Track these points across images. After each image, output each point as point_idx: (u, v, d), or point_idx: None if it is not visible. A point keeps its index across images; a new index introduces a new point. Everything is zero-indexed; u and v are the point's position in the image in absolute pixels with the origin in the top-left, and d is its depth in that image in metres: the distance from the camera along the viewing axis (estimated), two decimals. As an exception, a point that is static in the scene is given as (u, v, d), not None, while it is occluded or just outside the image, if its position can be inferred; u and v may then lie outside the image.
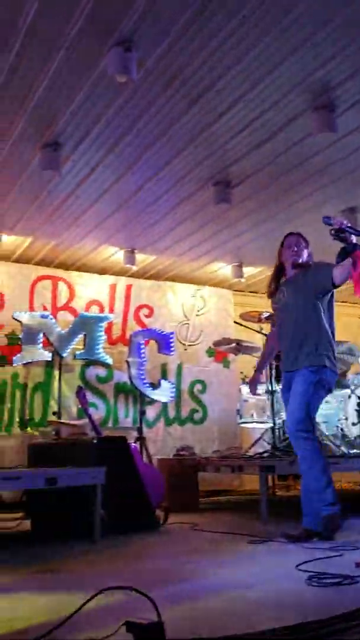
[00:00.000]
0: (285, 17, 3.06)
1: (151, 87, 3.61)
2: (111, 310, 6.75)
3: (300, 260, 3.75)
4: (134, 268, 6.51)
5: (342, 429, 5.45)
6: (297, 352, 3.61)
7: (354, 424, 5.39)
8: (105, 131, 4.03)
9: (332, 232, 3.22)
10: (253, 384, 4.16)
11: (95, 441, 3.99)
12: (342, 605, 1.94)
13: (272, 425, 5.36)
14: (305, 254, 3.79)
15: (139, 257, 6.37)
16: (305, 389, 3.50)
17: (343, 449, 5.29)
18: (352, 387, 5.50)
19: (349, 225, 3.24)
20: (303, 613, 1.91)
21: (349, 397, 5.44)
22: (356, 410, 5.27)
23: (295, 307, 3.68)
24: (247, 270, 6.97)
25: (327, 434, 5.44)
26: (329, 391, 3.68)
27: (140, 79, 3.47)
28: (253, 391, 4.20)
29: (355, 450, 5.22)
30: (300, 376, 3.56)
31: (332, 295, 3.71)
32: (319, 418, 5.53)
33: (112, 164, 4.46)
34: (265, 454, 5.10)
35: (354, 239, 3.22)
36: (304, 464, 3.48)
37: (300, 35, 3.19)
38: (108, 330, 6.62)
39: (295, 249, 3.78)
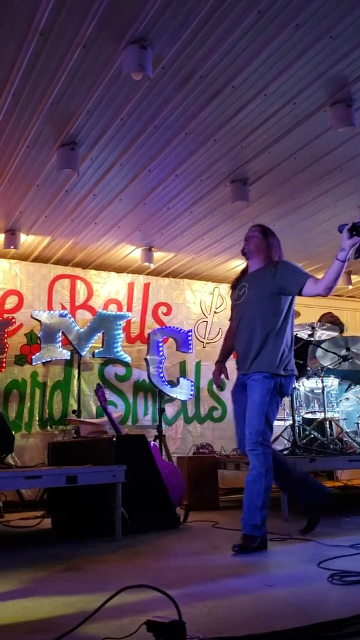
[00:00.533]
0: (302, 12, 3.03)
1: (168, 85, 3.60)
2: (129, 309, 6.76)
3: (246, 250, 3.70)
4: (152, 266, 6.52)
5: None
6: (254, 354, 3.46)
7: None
8: (122, 129, 4.03)
9: (352, 233, 3.14)
10: (217, 377, 3.96)
11: (115, 439, 3.99)
12: (364, 603, 1.93)
13: (291, 422, 5.33)
14: (255, 244, 3.68)
15: (157, 255, 6.37)
16: (263, 398, 3.37)
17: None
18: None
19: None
20: (326, 612, 1.90)
21: (370, 394, 5.39)
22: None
23: (256, 305, 3.52)
24: (266, 268, 6.94)
25: (347, 430, 5.39)
26: (284, 395, 3.55)
27: (156, 77, 3.47)
28: (218, 384, 3.98)
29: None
30: (256, 382, 3.41)
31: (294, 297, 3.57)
32: (339, 415, 5.51)
33: (129, 162, 4.46)
34: (285, 452, 5.07)
35: None
36: (253, 477, 3.35)
37: (317, 30, 3.16)
38: (126, 329, 6.64)
39: (246, 239, 3.72)
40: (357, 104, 3.79)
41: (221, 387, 4.03)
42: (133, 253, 6.35)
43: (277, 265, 3.55)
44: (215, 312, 7.30)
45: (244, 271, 3.82)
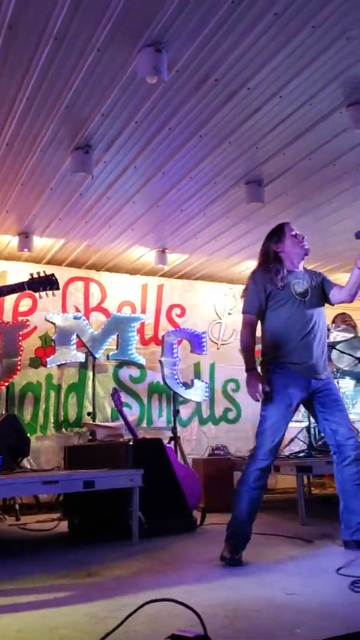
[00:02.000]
0: (318, 14, 2.99)
1: (183, 88, 3.58)
2: (143, 311, 6.76)
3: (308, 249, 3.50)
4: (165, 268, 6.51)
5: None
6: (324, 360, 3.39)
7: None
8: (136, 132, 4.02)
9: None
10: (257, 388, 3.23)
11: (131, 443, 3.99)
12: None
13: (307, 424, 5.30)
14: None
15: (171, 257, 6.36)
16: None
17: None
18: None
19: None
20: (347, 622, 1.88)
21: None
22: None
23: (319, 309, 3.43)
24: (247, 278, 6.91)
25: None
26: None
27: (171, 79, 3.45)
28: (260, 395, 3.24)
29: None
30: (334, 384, 3.43)
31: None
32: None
33: (144, 165, 4.45)
34: (302, 454, 5.05)
35: None
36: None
37: (333, 31, 3.12)
38: (140, 331, 6.63)
39: (303, 237, 3.51)
40: (374, 105, 3.76)
41: (268, 398, 3.24)
42: (146, 255, 6.34)
43: (318, 273, 3.61)
44: (229, 314, 7.28)
45: (280, 264, 3.45)
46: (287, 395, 3.23)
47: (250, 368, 3.31)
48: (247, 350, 3.40)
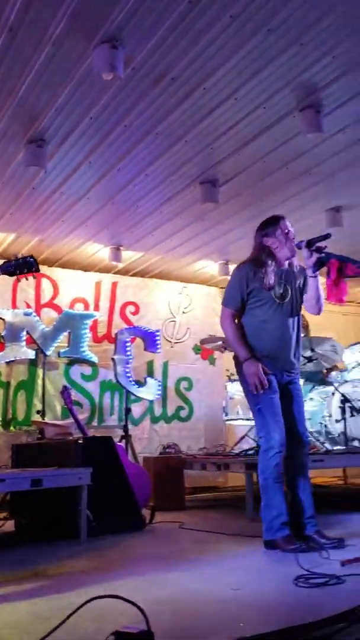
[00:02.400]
0: (274, 18, 3.05)
1: (139, 85, 3.58)
2: (96, 308, 6.71)
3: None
4: (120, 265, 6.48)
5: (325, 426, 5.49)
6: (298, 356, 3.44)
7: (337, 421, 5.42)
8: (91, 128, 3.99)
9: (310, 248, 3.21)
10: (262, 375, 3.22)
11: (80, 442, 3.96)
12: (329, 606, 1.95)
13: (255, 422, 5.36)
14: None
15: (125, 254, 6.34)
16: None
17: (327, 445, 5.33)
18: (336, 385, 5.54)
19: (312, 237, 3.24)
20: (291, 616, 1.92)
21: (333, 394, 5.47)
22: (340, 407, 5.30)
23: (292, 308, 3.39)
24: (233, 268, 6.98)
25: (311, 430, 5.47)
26: None
27: (127, 76, 3.44)
28: (266, 383, 3.23)
29: (338, 447, 5.26)
30: (298, 383, 3.48)
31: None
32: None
33: (99, 160, 4.42)
34: (251, 452, 5.12)
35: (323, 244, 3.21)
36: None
37: (289, 36, 3.18)
38: (93, 328, 6.59)
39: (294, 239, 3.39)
40: (325, 110, 3.84)
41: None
42: (101, 252, 6.30)
43: (301, 270, 3.48)
44: (183, 312, 7.31)
45: (272, 261, 3.36)
46: (273, 384, 3.27)
47: (246, 357, 3.27)
48: (236, 339, 3.36)
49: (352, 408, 5.16)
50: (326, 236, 3.24)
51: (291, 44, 3.25)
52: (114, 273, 6.89)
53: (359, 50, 3.30)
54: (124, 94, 3.66)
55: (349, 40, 3.22)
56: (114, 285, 6.89)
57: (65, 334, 6.29)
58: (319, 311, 3.42)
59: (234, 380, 5.99)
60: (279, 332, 3.31)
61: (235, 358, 3.45)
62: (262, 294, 3.32)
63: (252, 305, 3.35)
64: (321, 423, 5.53)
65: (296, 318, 3.41)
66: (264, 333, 3.31)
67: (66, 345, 6.28)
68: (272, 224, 3.43)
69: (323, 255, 3.20)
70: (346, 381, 5.66)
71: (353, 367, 5.77)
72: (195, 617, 1.99)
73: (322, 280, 3.31)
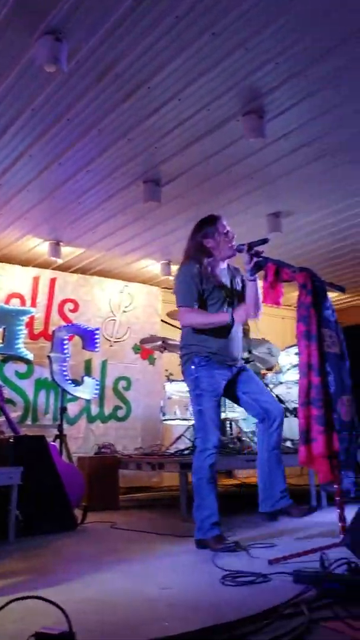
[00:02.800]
0: (219, 21, 3.07)
1: (82, 79, 3.53)
2: (33, 304, 6.58)
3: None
4: (60, 261, 6.38)
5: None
6: (241, 349, 3.51)
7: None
8: (32, 120, 3.92)
9: (250, 252, 3.25)
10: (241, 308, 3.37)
11: (12, 440, 3.87)
12: (255, 604, 1.98)
13: (193, 422, 5.39)
14: None
15: (65, 250, 6.25)
16: None
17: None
18: (271, 386, 5.64)
19: (252, 241, 3.28)
20: (216, 614, 1.93)
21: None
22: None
23: (237, 303, 3.46)
24: (176, 269, 7.00)
25: (245, 430, 5.55)
26: None
27: (71, 70, 3.39)
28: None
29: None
30: (248, 369, 3.53)
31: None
32: (239, 415, 5.64)
33: (40, 154, 4.34)
34: (186, 451, 5.14)
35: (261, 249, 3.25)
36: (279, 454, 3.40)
37: (233, 40, 3.22)
38: (29, 325, 6.45)
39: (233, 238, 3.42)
40: (268, 116, 3.90)
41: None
42: (40, 246, 6.18)
43: (236, 269, 3.58)
44: (124, 311, 7.27)
45: (213, 260, 3.41)
46: (216, 385, 3.31)
47: (229, 315, 3.28)
48: (207, 316, 3.35)
49: (286, 409, 5.26)
50: (264, 241, 3.29)
51: (236, 48, 3.28)
52: (53, 269, 6.78)
53: (303, 58, 3.37)
54: (66, 87, 3.61)
55: (293, 47, 3.28)
56: (53, 281, 6.78)
57: (0, 330, 6.13)
58: (257, 315, 3.45)
59: (173, 380, 6.01)
60: (228, 329, 3.36)
61: (183, 357, 3.45)
62: (214, 294, 3.37)
63: (207, 304, 3.39)
64: (255, 423, 5.60)
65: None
66: (215, 330, 3.34)
67: (0, 341, 6.13)
68: (210, 223, 3.46)
69: (261, 259, 3.25)
70: (281, 383, 5.77)
71: (288, 369, 5.88)
72: (121, 616, 1.98)
73: (260, 283, 3.34)
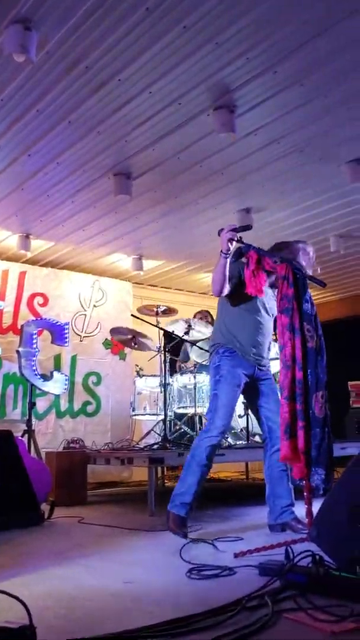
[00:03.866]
0: (190, 15, 3.06)
1: (52, 70, 3.49)
2: (2, 298, 6.48)
3: None
4: (29, 254, 6.31)
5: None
6: (267, 351, 3.61)
7: (240, 416, 5.56)
8: (1, 110, 3.85)
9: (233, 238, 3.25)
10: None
11: (-22, 435, 3.82)
12: (220, 596, 1.99)
13: (163, 417, 5.40)
14: None
15: (35, 243, 6.18)
16: None
17: (230, 440, 5.44)
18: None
19: (236, 226, 3.30)
20: (181, 607, 1.93)
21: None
22: (243, 403, 5.42)
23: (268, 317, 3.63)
24: (147, 264, 6.99)
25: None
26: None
27: (40, 61, 3.35)
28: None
29: (240, 442, 5.39)
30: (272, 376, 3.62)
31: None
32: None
33: (9, 145, 4.28)
34: (155, 446, 5.14)
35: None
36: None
37: (204, 34, 3.21)
38: (-2, 319, 6.37)
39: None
40: (239, 111, 3.91)
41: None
42: (9, 239, 6.10)
43: None
44: (94, 306, 7.22)
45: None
46: (237, 376, 3.42)
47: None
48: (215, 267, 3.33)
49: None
50: (247, 227, 3.32)
51: (206, 43, 3.28)
52: (23, 262, 6.70)
53: (273, 54, 3.38)
54: (36, 78, 3.56)
55: (264, 43, 3.29)
56: (22, 274, 6.69)
57: (-32, 324, 6.04)
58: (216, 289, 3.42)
59: (143, 375, 6.00)
60: (256, 328, 3.53)
61: (211, 349, 3.57)
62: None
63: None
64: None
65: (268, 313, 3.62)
66: (244, 328, 3.51)
67: (-32, 335, 6.04)
68: None
69: (243, 245, 3.26)
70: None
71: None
72: (84, 611, 1.97)
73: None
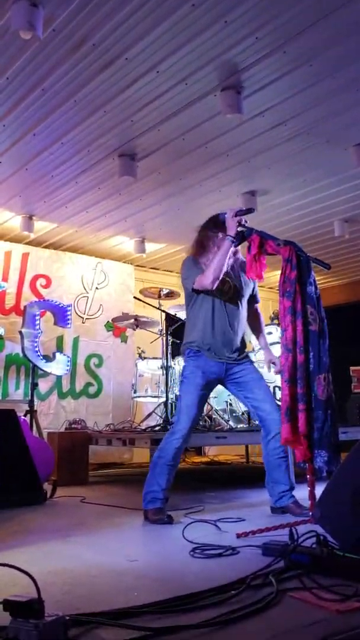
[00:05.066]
0: (199, -8, 3.02)
1: (59, 48, 3.45)
2: (5, 279, 6.48)
3: None
4: (32, 235, 6.29)
5: (230, 404, 5.63)
6: (237, 344, 3.50)
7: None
8: (7, 89, 3.82)
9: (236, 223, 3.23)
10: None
11: (-19, 414, 3.84)
12: (223, 575, 2.01)
13: (165, 399, 5.42)
14: None
15: (38, 224, 6.15)
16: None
17: (231, 423, 5.47)
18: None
19: (240, 209, 3.27)
20: (185, 585, 1.95)
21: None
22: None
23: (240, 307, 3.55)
24: (150, 246, 6.97)
25: (217, 408, 5.59)
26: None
27: (47, 38, 3.31)
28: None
29: (241, 425, 5.42)
30: (251, 365, 3.52)
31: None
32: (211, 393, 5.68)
33: (14, 124, 4.24)
34: (157, 428, 5.16)
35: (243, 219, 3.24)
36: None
37: (213, 13, 3.17)
38: (0, 300, 6.37)
39: None
40: (246, 92, 3.87)
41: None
42: (12, 220, 6.08)
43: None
44: (97, 288, 7.21)
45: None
46: (200, 376, 3.34)
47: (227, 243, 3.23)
48: (214, 259, 3.26)
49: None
50: (249, 210, 3.29)
51: (215, 21, 3.24)
52: (26, 244, 6.68)
53: (282, 34, 3.34)
54: (42, 56, 3.52)
55: (273, 22, 3.25)
56: (25, 256, 6.68)
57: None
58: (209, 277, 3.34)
59: (145, 358, 6.01)
60: (221, 326, 3.43)
61: (183, 353, 3.50)
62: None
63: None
64: (226, 402, 5.66)
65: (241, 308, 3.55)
66: (207, 327, 3.42)
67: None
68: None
69: (245, 229, 3.23)
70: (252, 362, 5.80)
71: (259, 349, 5.92)
72: (89, 587, 1.99)
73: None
